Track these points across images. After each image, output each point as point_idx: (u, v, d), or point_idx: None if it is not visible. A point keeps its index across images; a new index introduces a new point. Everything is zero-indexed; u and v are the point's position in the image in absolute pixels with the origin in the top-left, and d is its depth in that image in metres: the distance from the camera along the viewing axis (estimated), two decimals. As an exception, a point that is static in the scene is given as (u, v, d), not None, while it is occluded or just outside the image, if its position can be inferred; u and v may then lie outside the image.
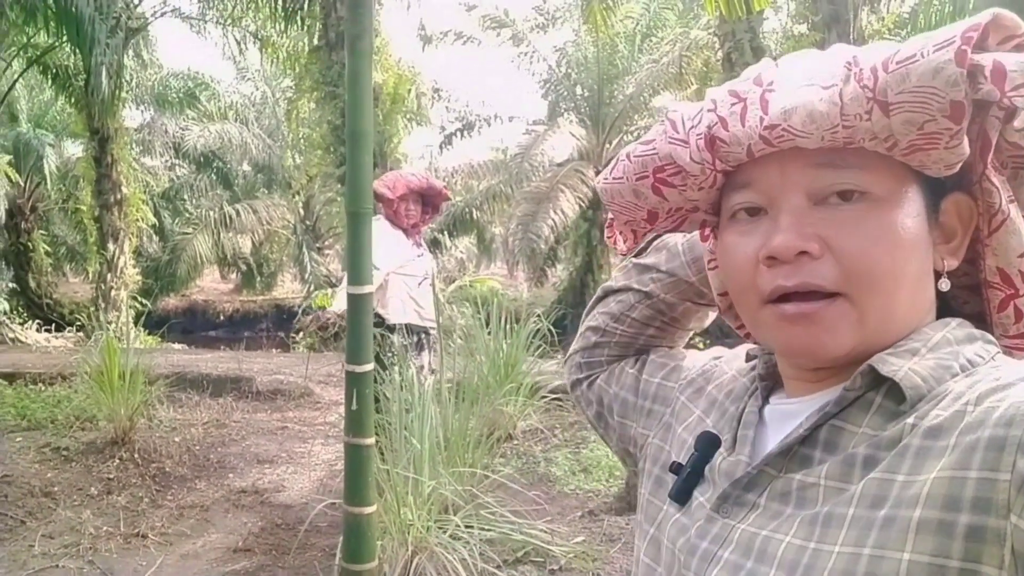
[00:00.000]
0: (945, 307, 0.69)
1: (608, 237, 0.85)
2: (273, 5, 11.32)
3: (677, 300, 0.91)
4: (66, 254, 20.83)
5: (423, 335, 4.48)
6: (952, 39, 0.56)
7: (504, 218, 20.70)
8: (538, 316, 6.25)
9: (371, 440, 2.93)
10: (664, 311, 0.92)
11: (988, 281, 0.69)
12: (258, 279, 23.16)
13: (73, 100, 12.94)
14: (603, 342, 0.96)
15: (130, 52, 12.93)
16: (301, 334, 8.53)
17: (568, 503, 4.37)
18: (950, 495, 0.52)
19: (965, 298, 0.72)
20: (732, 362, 0.84)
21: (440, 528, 3.28)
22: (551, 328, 6.25)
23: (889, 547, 0.53)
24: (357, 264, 2.88)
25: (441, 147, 18.86)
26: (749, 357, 0.81)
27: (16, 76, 13.15)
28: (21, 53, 12.81)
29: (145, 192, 15.57)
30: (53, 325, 12.88)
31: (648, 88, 16.10)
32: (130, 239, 12.84)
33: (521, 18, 17.08)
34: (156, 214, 17.49)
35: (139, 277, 13.32)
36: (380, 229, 3.85)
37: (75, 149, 17.06)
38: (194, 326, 19.67)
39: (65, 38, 10.30)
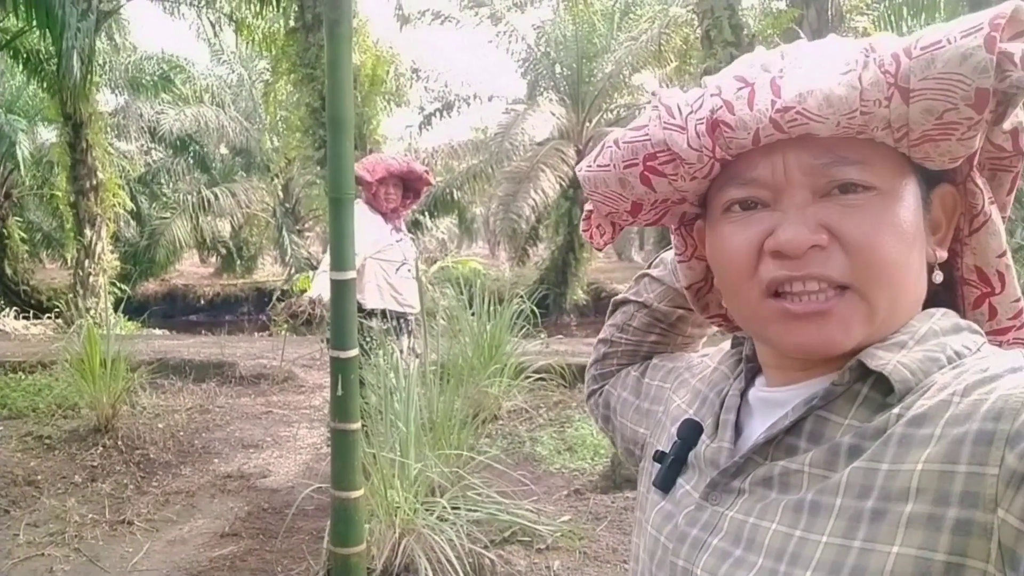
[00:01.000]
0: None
1: (584, 231, 0.81)
2: (248, -15, 11.18)
3: (671, 308, 0.95)
4: (42, 240, 20.56)
5: (401, 320, 4.44)
6: (980, 25, 0.55)
7: (485, 198, 20.69)
8: (521, 297, 6.25)
9: (357, 425, 2.94)
10: (661, 319, 0.96)
11: (964, 278, 0.70)
12: (238, 262, 23.02)
13: (45, 85, 12.72)
14: (611, 352, 1.00)
15: (103, 35, 12.73)
16: (277, 320, 8.48)
17: (554, 482, 4.40)
18: (940, 490, 0.52)
19: (939, 295, 0.72)
20: (715, 356, 0.86)
21: (427, 510, 3.30)
22: (534, 308, 6.27)
23: (879, 540, 0.54)
24: (340, 250, 2.86)
25: (421, 128, 18.75)
26: (735, 342, 0.81)
27: (-14, 61, 12.92)
28: (-10, 38, 12.57)
29: (121, 177, 15.37)
30: (31, 312, 12.75)
31: (627, 66, 16.07)
32: (107, 224, 12.70)
33: (499, -3, 16.96)
34: (133, 199, 17.28)
35: (117, 263, 13.18)
36: (358, 212, 3.79)
37: (49, 135, 16.82)
38: (174, 311, 19.52)
39: (35, 23, 10.10)
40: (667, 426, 0.83)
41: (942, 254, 0.68)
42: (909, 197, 0.63)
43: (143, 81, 16.56)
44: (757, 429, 0.70)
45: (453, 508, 3.32)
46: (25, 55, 12.48)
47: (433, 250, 20.58)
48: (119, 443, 5.01)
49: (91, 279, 12.17)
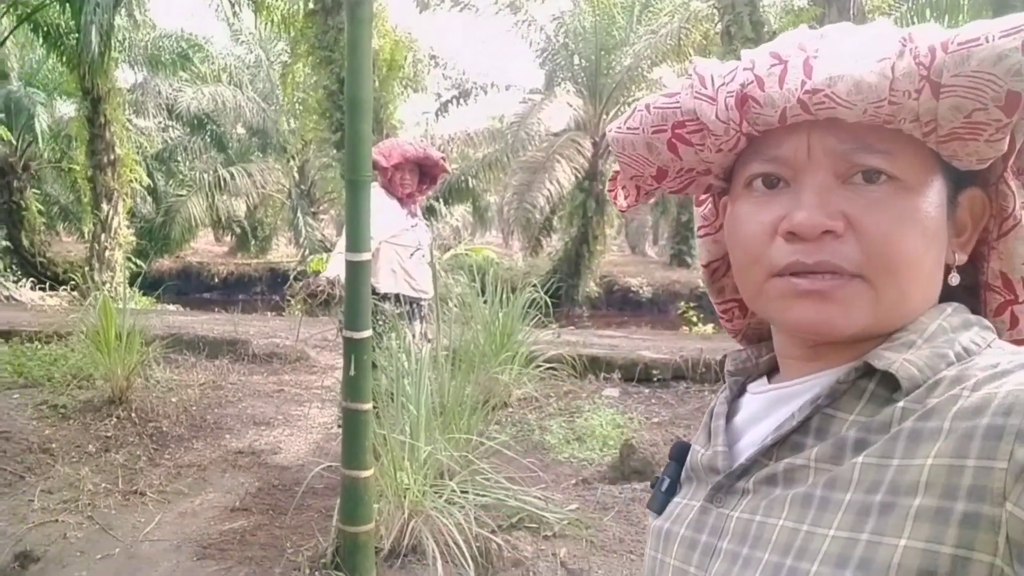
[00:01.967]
0: None
1: (609, 191, 0.82)
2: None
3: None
4: (59, 213, 20.73)
5: (414, 305, 4.45)
6: (1020, 27, 0.54)
7: (500, 187, 20.70)
8: (533, 286, 6.27)
9: (368, 405, 2.98)
10: None
11: (988, 284, 0.69)
12: (252, 242, 23.14)
13: (65, 59, 12.80)
14: None
15: (122, 11, 12.77)
16: (292, 300, 8.51)
17: (562, 471, 4.43)
18: (949, 483, 0.52)
19: (961, 298, 0.70)
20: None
21: (436, 493, 3.33)
22: (546, 298, 6.29)
23: (887, 534, 0.53)
24: (355, 231, 2.89)
25: (437, 114, 18.76)
26: (724, 360, 0.82)
27: (7, 33, 12.99)
28: (11, 10, 12.64)
29: (139, 153, 15.48)
30: (47, 283, 12.87)
31: (646, 60, 16.03)
32: (124, 200, 12.81)
33: (519, -15, 16.90)
34: (150, 175, 17.40)
35: (133, 238, 13.30)
36: (374, 196, 3.79)
37: (67, 108, 16.91)
38: (188, 288, 19.65)
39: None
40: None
41: (962, 257, 0.67)
42: (933, 194, 0.62)
43: (162, 58, 16.63)
44: (757, 431, 0.70)
45: (462, 492, 3.35)
46: (45, 28, 12.56)
47: (447, 237, 20.62)
48: (132, 415, 5.07)
49: (107, 253, 12.29)
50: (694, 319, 9.79)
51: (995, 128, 0.58)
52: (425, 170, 4.49)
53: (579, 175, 16.30)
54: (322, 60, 11.43)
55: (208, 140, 20.69)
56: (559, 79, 17.98)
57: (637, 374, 6.15)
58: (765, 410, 0.71)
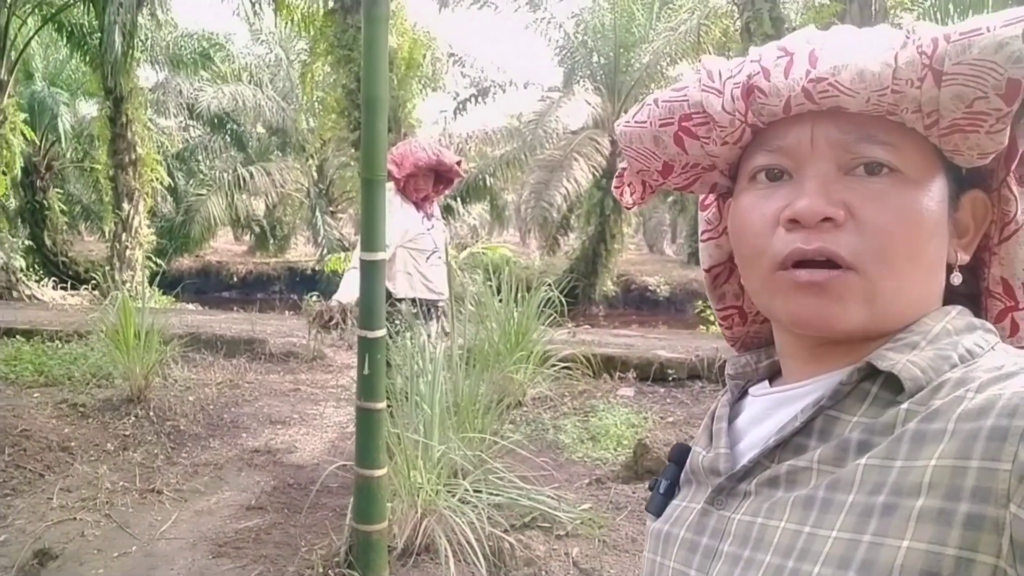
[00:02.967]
0: None
1: (616, 187, 0.82)
2: (288, -34, 11.25)
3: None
4: (81, 212, 20.96)
5: (431, 307, 4.43)
6: (1021, 17, 0.55)
7: (517, 185, 20.67)
8: (549, 285, 6.26)
9: (383, 404, 2.99)
10: None
11: (989, 290, 0.69)
12: (271, 241, 23.28)
13: (88, 59, 12.95)
14: None
15: (144, 11, 12.89)
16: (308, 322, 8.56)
17: (576, 470, 4.42)
18: (952, 485, 0.52)
19: (963, 305, 0.70)
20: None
21: (449, 492, 3.34)
22: (562, 298, 6.27)
23: (890, 535, 0.53)
24: (371, 231, 2.90)
25: (455, 113, 18.74)
26: (723, 366, 0.82)
27: (31, 33, 13.15)
28: (36, 10, 12.79)
29: (160, 152, 15.60)
30: (68, 283, 13.02)
31: (665, 57, 15.95)
32: (145, 199, 12.92)
33: (538, -17, 16.86)
34: (170, 175, 17.53)
35: (153, 237, 13.42)
36: (389, 200, 3.73)
37: (90, 108, 17.09)
38: (208, 287, 19.82)
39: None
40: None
41: (964, 256, 0.67)
42: (934, 190, 0.63)
43: (183, 58, 16.76)
44: (759, 433, 0.70)
45: (475, 491, 3.35)
46: (69, 28, 12.70)
47: (464, 236, 20.65)
48: (151, 414, 5.12)
49: (127, 252, 12.41)
50: (711, 318, 9.74)
51: (995, 118, 0.58)
52: (440, 175, 4.43)
53: (597, 173, 16.25)
54: (341, 59, 11.45)
55: (228, 139, 20.84)
56: (578, 77, 17.93)
57: (652, 373, 6.13)
58: (767, 412, 0.71)
